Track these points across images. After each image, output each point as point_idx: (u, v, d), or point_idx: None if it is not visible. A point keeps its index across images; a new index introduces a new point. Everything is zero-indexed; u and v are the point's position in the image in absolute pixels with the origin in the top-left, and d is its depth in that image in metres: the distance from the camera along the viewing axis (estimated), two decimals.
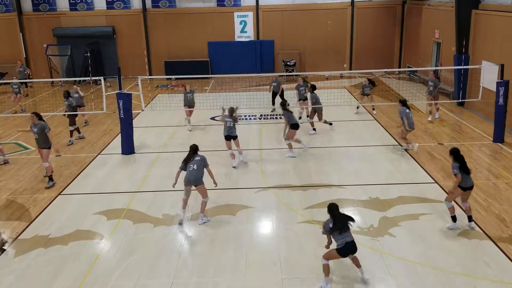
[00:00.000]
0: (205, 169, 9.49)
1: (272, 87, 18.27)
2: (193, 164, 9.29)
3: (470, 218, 9.04)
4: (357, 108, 18.04)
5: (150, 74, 26.11)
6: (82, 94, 16.82)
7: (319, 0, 25.85)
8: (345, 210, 7.78)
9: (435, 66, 21.09)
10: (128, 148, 13.94)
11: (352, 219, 7.33)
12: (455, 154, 8.77)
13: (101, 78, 15.13)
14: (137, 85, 15.26)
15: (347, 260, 7.58)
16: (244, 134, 15.66)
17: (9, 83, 22.10)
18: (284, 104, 13.38)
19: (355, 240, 7.27)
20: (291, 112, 13.24)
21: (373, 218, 9.55)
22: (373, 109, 17.86)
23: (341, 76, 25.63)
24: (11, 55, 25.72)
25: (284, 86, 22.71)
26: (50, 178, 11.68)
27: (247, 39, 26.44)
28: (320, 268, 7.57)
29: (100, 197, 11.09)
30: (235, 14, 26.10)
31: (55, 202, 10.83)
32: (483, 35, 16.85)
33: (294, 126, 13.12)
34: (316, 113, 15.38)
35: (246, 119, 17.63)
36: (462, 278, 7.54)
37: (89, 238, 9.16)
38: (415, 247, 8.46)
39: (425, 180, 11.49)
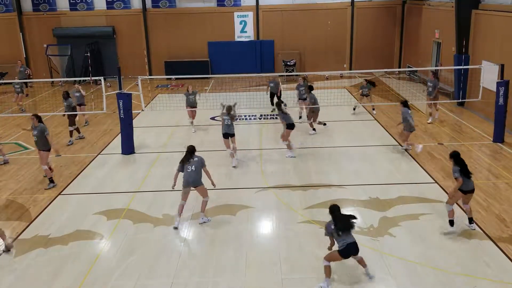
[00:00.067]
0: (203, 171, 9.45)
1: (269, 87, 18.22)
2: (191, 165, 9.24)
3: (470, 220, 9.03)
4: (354, 109, 17.87)
5: (150, 74, 26.11)
6: (83, 93, 16.83)
7: (319, 0, 25.85)
8: (345, 210, 7.78)
9: (435, 66, 21.10)
10: (128, 148, 13.94)
11: (354, 217, 7.32)
12: (456, 157, 8.73)
13: (101, 78, 15.12)
14: (137, 85, 15.25)
15: (348, 261, 7.58)
16: (244, 134, 15.68)
17: (10, 83, 22.13)
18: (279, 105, 13.38)
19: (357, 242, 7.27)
20: (286, 113, 13.19)
21: (373, 218, 9.55)
22: (373, 109, 17.85)
23: (341, 76, 25.64)
24: (11, 55, 25.72)
25: (284, 86, 22.81)
26: (51, 180, 11.68)
27: (247, 39, 26.44)
28: (320, 268, 7.57)
29: (100, 197, 11.09)
30: (235, 14, 26.11)
31: (55, 202, 10.84)
32: (483, 35, 16.85)
33: (290, 126, 13.12)
34: (309, 113, 15.34)
35: (246, 119, 17.63)
36: (462, 278, 7.54)
37: (89, 238, 9.16)
38: (415, 247, 8.46)
39: (425, 180, 11.49)
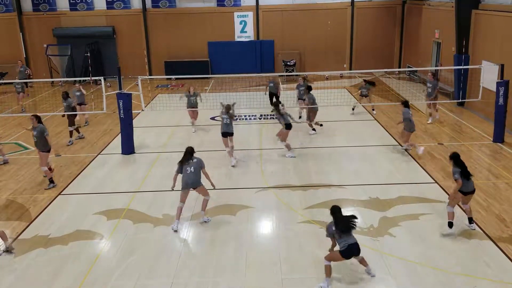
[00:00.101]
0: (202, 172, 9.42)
1: (268, 88, 18.19)
2: (190, 166, 9.18)
3: (470, 220, 9.03)
4: (353, 109, 17.80)
5: (150, 74, 26.11)
6: (84, 92, 16.82)
7: (319, 0, 25.85)
8: (345, 210, 7.78)
9: (435, 66, 21.11)
10: (128, 148, 13.94)
11: (354, 217, 7.32)
12: (455, 159, 8.72)
13: (101, 78, 15.12)
14: (137, 85, 15.26)
15: (349, 260, 7.56)
16: (244, 134, 15.69)
17: (10, 83, 22.13)
18: (276, 105, 13.38)
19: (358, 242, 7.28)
20: (282, 114, 13.16)
21: (373, 218, 9.55)
22: (373, 109, 17.85)
23: (341, 76, 25.64)
24: (11, 55, 25.72)
25: (284, 86, 22.82)
26: (51, 181, 11.68)
27: (247, 39, 26.44)
28: (320, 268, 7.58)
29: (100, 197, 11.09)
30: (235, 14, 26.11)
31: (55, 202, 10.84)
32: (483, 35, 16.85)
33: (287, 126, 13.12)
34: (308, 113, 15.32)
35: (246, 119, 17.64)
36: (462, 278, 7.54)
37: (89, 238, 9.16)
38: (415, 247, 8.46)
39: (425, 180, 11.49)
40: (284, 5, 25.94)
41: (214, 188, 9.66)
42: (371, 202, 10.32)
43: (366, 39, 26.22)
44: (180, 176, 9.33)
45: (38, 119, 11.45)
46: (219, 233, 9.19)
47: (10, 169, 12.96)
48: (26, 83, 21.92)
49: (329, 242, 7.72)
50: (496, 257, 8.09)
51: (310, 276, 7.67)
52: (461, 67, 17.13)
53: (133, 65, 25.68)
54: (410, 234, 8.91)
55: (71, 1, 25.90)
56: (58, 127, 16.79)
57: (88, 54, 23.55)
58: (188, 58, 26.08)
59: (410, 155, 13.12)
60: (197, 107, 15.96)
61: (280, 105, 13.48)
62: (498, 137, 13.95)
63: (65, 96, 15.11)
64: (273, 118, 17.05)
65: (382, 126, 16.10)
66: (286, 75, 24.63)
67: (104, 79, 15.35)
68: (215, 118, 17.13)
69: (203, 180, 9.44)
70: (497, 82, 13.86)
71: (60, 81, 25.28)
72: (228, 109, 12.80)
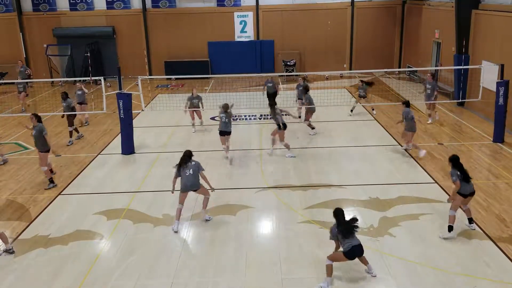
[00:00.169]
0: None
1: (266, 87, 18.16)
2: (189, 169, 9.19)
3: (470, 220, 9.03)
4: (351, 111, 17.69)
5: (150, 74, 26.11)
6: (86, 90, 16.82)
7: (319, 0, 25.85)
8: (345, 210, 7.79)
9: (435, 66, 21.11)
10: (128, 148, 13.94)
11: (356, 220, 7.36)
12: (454, 161, 8.70)
13: (101, 78, 15.13)
14: (137, 85, 15.26)
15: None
16: (244, 134, 15.69)
17: (10, 83, 22.15)
18: (272, 106, 13.37)
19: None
20: (278, 114, 13.14)
21: (373, 218, 9.55)
22: (373, 109, 17.84)
23: (341, 76, 25.63)
24: (11, 55, 25.73)
25: (284, 86, 22.83)
26: (51, 181, 11.67)
27: (247, 39, 26.44)
28: (320, 268, 7.59)
29: (100, 197, 11.09)
30: (235, 14, 26.11)
31: (55, 202, 10.84)
32: (483, 35, 16.85)
33: (283, 126, 13.11)
34: (306, 113, 15.30)
35: (246, 119, 17.64)
36: (462, 278, 7.54)
37: (89, 238, 9.16)
38: (415, 247, 8.46)
39: (425, 180, 11.49)
40: (284, 5, 25.95)
41: (213, 191, 9.67)
42: (371, 202, 10.32)
43: (366, 39, 26.23)
44: (179, 178, 9.34)
45: (38, 118, 11.43)
46: (219, 233, 9.19)
47: (10, 169, 12.96)
48: (27, 82, 21.93)
49: (328, 241, 7.72)
50: (496, 257, 8.09)
51: (310, 276, 7.67)
52: (461, 67, 17.13)
53: (133, 65, 25.68)
54: (410, 234, 8.91)
55: (71, 1, 25.91)
56: (58, 127, 16.79)
57: (88, 54, 23.57)
58: (188, 58, 26.08)
59: (410, 155, 13.11)
60: (198, 108, 15.90)
61: (276, 105, 13.48)
62: (498, 137, 13.95)
63: (65, 96, 15.11)
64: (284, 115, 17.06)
65: (382, 126, 16.09)
66: (286, 75, 24.63)
67: (104, 79, 15.36)
68: (215, 118, 17.12)
69: (202, 181, 9.46)
70: (497, 82, 13.86)
71: (60, 81, 25.29)
72: (226, 108, 12.91)
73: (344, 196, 10.68)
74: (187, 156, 9.28)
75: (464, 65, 17.28)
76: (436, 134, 15.08)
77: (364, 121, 16.90)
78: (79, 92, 16.66)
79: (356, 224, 7.34)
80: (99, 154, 14.09)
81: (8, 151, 14.42)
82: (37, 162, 12.60)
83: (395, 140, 14.54)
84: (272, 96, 17.83)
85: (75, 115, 15.50)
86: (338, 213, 7.46)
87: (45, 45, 25.73)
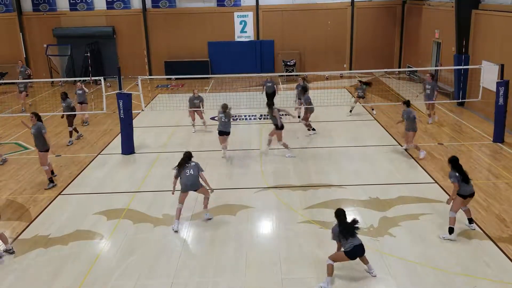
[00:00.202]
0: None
1: (265, 87, 18.13)
2: (189, 169, 9.22)
3: (470, 220, 9.03)
4: (350, 111, 17.65)
5: (150, 74, 26.12)
6: (87, 90, 16.80)
7: (319, 0, 25.86)
8: (345, 210, 7.79)
9: (435, 66, 21.11)
10: (128, 148, 13.94)
11: (357, 221, 7.40)
12: (453, 162, 8.69)
13: (101, 78, 15.13)
14: (137, 85, 15.26)
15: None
16: (244, 134, 15.69)
17: (10, 83, 22.14)
18: (270, 105, 13.36)
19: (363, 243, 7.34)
20: (276, 115, 13.12)
21: (373, 218, 9.55)
22: (373, 109, 17.83)
23: (341, 76, 25.63)
24: (11, 55, 25.73)
25: (284, 86, 22.84)
26: (51, 180, 11.66)
27: (247, 39, 26.44)
28: (320, 268, 7.59)
29: (100, 197, 11.09)
30: (235, 14, 26.11)
31: (55, 202, 10.84)
32: (483, 35, 16.85)
33: (281, 127, 13.11)
34: (305, 113, 15.28)
35: (246, 119, 17.64)
36: (462, 278, 7.54)
37: (89, 238, 9.16)
38: (415, 247, 8.46)
39: (425, 180, 11.49)
40: (284, 5, 25.95)
41: (212, 192, 9.69)
42: (371, 202, 10.32)
43: (366, 39, 26.23)
44: (179, 179, 9.36)
45: (38, 117, 11.41)
46: (219, 233, 9.19)
47: (10, 169, 12.96)
48: (28, 82, 21.93)
49: (328, 241, 7.72)
50: (496, 257, 8.09)
51: (310, 276, 7.67)
52: (461, 67, 17.13)
53: (133, 65, 25.69)
54: (410, 234, 8.91)
55: (71, 1, 25.91)
56: (58, 127, 16.79)
57: (88, 54, 23.55)
58: (188, 58, 26.08)
59: (411, 155, 13.11)
60: (199, 107, 15.88)
61: (272, 105, 13.46)
62: (498, 137, 13.95)
63: (64, 96, 15.10)
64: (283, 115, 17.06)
65: (382, 126, 16.09)
66: (286, 75, 24.62)
67: (104, 79, 15.36)
68: (215, 118, 17.11)
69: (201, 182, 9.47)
70: (497, 82, 13.86)
71: (60, 81, 25.29)
72: (225, 108, 12.97)
73: (344, 196, 10.68)
74: (187, 157, 9.33)
75: (464, 65, 17.27)
76: (436, 134, 15.08)
77: (364, 121, 16.90)
78: (80, 92, 16.67)
79: (357, 226, 7.36)
80: (99, 154, 14.08)
81: (8, 151, 14.43)
82: (37, 162, 12.61)
83: (395, 140, 14.53)
84: (270, 96, 17.81)
85: (74, 115, 15.48)
86: (340, 214, 7.48)
87: (45, 45, 25.74)
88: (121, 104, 13.58)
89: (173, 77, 24.67)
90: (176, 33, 26.15)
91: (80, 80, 20.54)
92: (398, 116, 14.90)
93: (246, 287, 7.53)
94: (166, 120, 17.37)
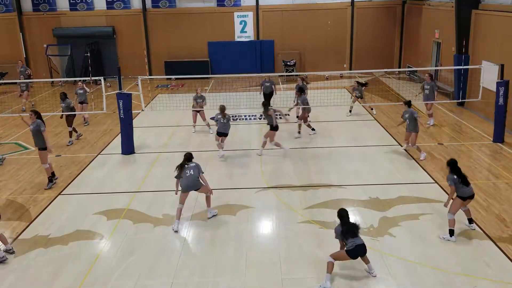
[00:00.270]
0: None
1: (263, 87, 18.11)
2: (189, 169, 9.25)
3: (470, 220, 9.03)
4: (350, 111, 17.64)
5: (150, 74, 26.12)
6: (88, 90, 16.79)
7: (319, 0, 25.85)
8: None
9: (435, 66, 21.11)
10: (128, 148, 13.94)
11: (358, 228, 7.45)
12: (452, 165, 8.66)
13: (101, 78, 15.13)
14: (137, 85, 15.26)
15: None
16: (244, 134, 15.70)
17: (10, 83, 22.12)
18: (265, 105, 13.34)
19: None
20: (270, 115, 13.10)
21: (373, 218, 9.55)
22: (372, 109, 17.82)
23: (341, 76, 25.63)
24: (11, 55, 25.72)
25: (284, 86, 22.84)
26: (50, 180, 11.66)
27: (247, 39, 26.44)
28: (320, 268, 7.60)
29: (100, 197, 11.09)
30: (235, 14, 26.11)
31: (55, 202, 10.83)
32: (483, 35, 16.85)
33: (275, 128, 13.12)
34: (301, 112, 15.26)
35: (246, 119, 17.64)
36: (462, 278, 7.54)
37: (89, 238, 9.16)
38: (415, 247, 8.46)
39: (425, 180, 11.49)
40: (284, 5, 25.94)
41: (212, 194, 9.72)
42: (371, 202, 10.32)
43: (366, 39, 26.22)
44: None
45: (38, 115, 11.39)
46: (219, 233, 9.19)
47: (10, 169, 12.96)
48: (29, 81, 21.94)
49: (328, 241, 7.72)
50: (496, 257, 8.09)
51: (310, 276, 7.67)
52: (461, 67, 17.12)
53: (133, 65, 25.69)
54: (410, 234, 8.91)
55: (71, 1, 25.90)
56: (58, 128, 16.79)
57: (88, 54, 23.56)
58: (188, 58, 26.08)
59: (411, 155, 13.11)
60: (202, 108, 15.86)
61: (269, 106, 13.46)
62: (498, 137, 13.95)
63: (63, 97, 15.10)
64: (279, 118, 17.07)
65: (382, 126, 16.09)
66: (286, 75, 24.63)
67: (104, 79, 15.35)
68: (214, 119, 17.08)
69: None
70: (497, 82, 13.86)
71: (60, 81, 25.28)
72: (223, 109, 13.09)
73: (344, 196, 10.68)
74: (187, 159, 9.37)
75: (464, 65, 17.27)
76: (436, 134, 15.08)
77: (364, 121, 16.90)
78: (81, 91, 16.66)
79: (358, 230, 7.43)
80: (99, 154, 14.08)
81: (8, 151, 14.43)
82: (37, 162, 12.62)
83: (395, 140, 14.53)
84: (268, 96, 17.80)
85: (74, 115, 15.48)
86: (343, 214, 7.52)
87: (45, 45, 25.73)
88: (121, 104, 13.58)
89: (173, 77, 24.67)
90: (176, 33, 26.15)
91: (81, 80, 20.55)
92: (398, 116, 14.91)
93: (246, 287, 7.53)
94: (166, 120, 17.37)
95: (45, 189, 11.49)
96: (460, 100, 17.95)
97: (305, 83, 16.87)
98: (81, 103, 16.78)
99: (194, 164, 9.36)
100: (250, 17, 26.10)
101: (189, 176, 9.22)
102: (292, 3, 25.97)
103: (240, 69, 25.17)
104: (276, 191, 11.03)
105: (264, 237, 9.15)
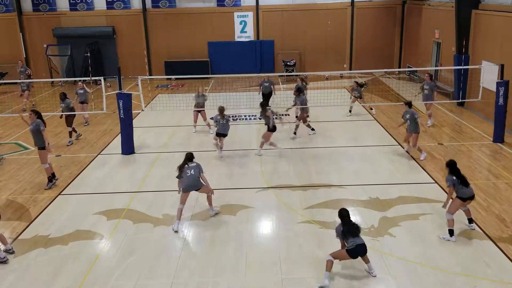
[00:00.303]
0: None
1: (262, 87, 18.09)
2: (190, 169, 9.26)
3: (470, 220, 9.03)
4: (350, 111, 17.64)
5: (150, 74, 26.11)
6: (88, 90, 16.79)
7: (319, 0, 25.85)
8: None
9: (435, 66, 21.11)
10: (128, 148, 13.94)
11: (359, 230, 7.46)
12: (451, 166, 8.67)
13: (101, 78, 15.12)
14: (137, 85, 15.26)
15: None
16: (244, 134, 15.70)
17: (10, 83, 22.13)
18: (263, 106, 13.34)
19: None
20: (268, 116, 13.11)
21: (373, 218, 9.55)
22: (371, 108, 17.81)
23: (341, 76, 25.63)
24: (11, 55, 25.72)
25: (284, 86, 22.84)
26: (50, 180, 11.66)
27: (247, 39, 26.44)
28: (320, 268, 7.59)
29: (100, 197, 11.09)
30: (235, 14, 26.11)
31: (55, 202, 10.83)
32: (483, 35, 16.85)
33: (272, 128, 13.14)
34: (300, 112, 15.24)
35: (246, 119, 17.64)
36: (462, 278, 7.54)
37: (89, 238, 9.16)
38: (415, 247, 8.46)
39: (425, 180, 11.49)
40: (284, 5, 25.94)
41: (213, 194, 9.73)
42: (371, 202, 10.32)
43: (366, 39, 26.22)
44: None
45: (38, 114, 11.39)
46: (219, 233, 9.19)
47: (10, 169, 12.96)
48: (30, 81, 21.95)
49: (328, 241, 7.72)
50: (496, 257, 8.09)
51: (310, 276, 7.67)
52: (461, 67, 17.13)
53: (133, 65, 25.68)
54: (410, 234, 8.91)
55: (71, 1, 25.90)
56: (58, 128, 16.79)
57: (88, 54, 23.57)
58: (188, 58, 26.08)
59: (411, 155, 13.11)
60: (203, 107, 15.84)
61: (267, 107, 13.45)
62: (498, 137, 13.95)
63: (63, 97, 15.10)
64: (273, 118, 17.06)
65: (382, 126, 16.09)
66: (286, 75, 24.62)
67: (104, 79, 15.34)
68: (213, 118, 17.09)
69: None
70: (497, 82, 13.86)
71: (60, 81, 25.28)
72: (222, 110, 13.14)
73: (344, 196, 10.68)
74: (189, 159, 9.38)
75: (464, 65, 17.27)
76: (436, 134, 15.08)
77: (364, 121, 16.90)
78: (81, 91, 16.66)
79: (359, 231, 7.45)
80: (99, 154, 14.08)
81: (8, 151, 14.43)
82: (36, 162, 12.61)
83: (395, 140, 14.54)
84: (266, 96, 17.80)
85: (74, 115, 15.47)
86: (344, 214, 7.52)
87: (45, 45, 25.73)
88: (121, 104, 13.58)
89: (173, 77, 24.67)
90: (176, 33, 26.15)
91: (81, 80, 20.55)
92: (398, 116, 14.91)
93: (246, 287, 7.53)
94: (166, 120, 17.37)
95: (45, 189, 11.49)
96: (460, 100, 17.95)
97: (304, 84, 16.86)
98: (82, 103, 16.79)
99: (195, 164, 9.37)
100: (250, 17, 26.10)
101: (190, 176, 9.23)
102: (292, 3, 25.97)
103: (240, 69, 25.16)
104: (276, 191, 11.03)
105: (264, 237, 9.15)
